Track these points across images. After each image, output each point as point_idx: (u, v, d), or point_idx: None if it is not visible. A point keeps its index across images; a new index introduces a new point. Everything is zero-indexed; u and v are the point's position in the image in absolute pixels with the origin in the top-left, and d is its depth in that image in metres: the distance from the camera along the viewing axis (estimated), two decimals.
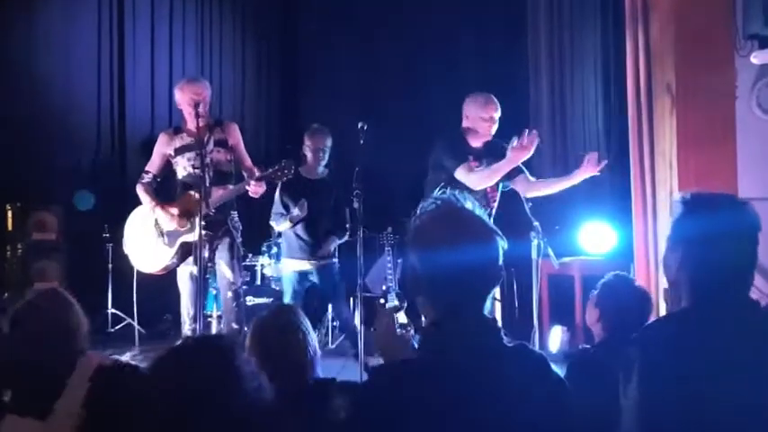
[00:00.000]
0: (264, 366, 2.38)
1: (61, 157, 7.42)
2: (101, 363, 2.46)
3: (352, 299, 6.72)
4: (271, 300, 6.13)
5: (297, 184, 5.37)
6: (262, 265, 6.52)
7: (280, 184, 5.42)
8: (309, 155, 5.61)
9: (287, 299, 5.52)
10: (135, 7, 7.95)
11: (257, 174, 4.70)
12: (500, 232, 1.74)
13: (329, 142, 5.63)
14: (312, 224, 5.49)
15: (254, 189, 4.67)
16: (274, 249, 6.56)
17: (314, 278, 5.55)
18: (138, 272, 5.36)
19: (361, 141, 4.69)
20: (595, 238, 6.04)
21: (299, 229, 5.47)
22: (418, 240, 1.71)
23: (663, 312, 4.57)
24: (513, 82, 7.70)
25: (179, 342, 1.91)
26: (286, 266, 5.63)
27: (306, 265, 5.52)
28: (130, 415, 1.68)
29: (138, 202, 5.18)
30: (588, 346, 4.93)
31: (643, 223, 4.97)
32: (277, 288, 6.43)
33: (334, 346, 6.05)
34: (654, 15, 4.90)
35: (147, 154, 7.69)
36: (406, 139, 7.71)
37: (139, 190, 5.01)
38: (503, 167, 4.42)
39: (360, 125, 4.71)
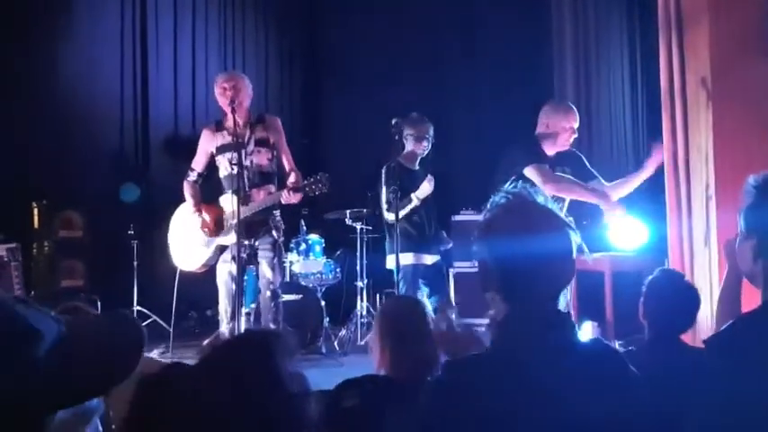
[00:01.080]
0: (391, 357, 2.40)
1: (85, 155, 7.44)
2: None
3: (378, 295, 6.74)
4: (300, 296, 6.11)
5: (401, 173, 5.23)
6: (291, 262, 6.51)
7: (384, 175, 5.31)
8: (410, 144, 5.43)
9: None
10: (158, 7, 7.95)
11: (292, 183, 4.69)
12: (573, 225, 1.71)
13: (432, 130, 5.47)
14: (421, 216, 5.36)
15: (288, 199, 4.67)
16: (302, 246, 6.55)
17: (423, 272, 5.42)
18: (178, 270, 5.37)
19: (396, 137, 4.68)
20: (626, 233, 5.97)
21: (411, 221, 5.30)
22: (491, 233, 1.69)
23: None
24: (537, 76, 7.68)
25: (218, 339, 1.86)
26: (407, 261, 5.37)
27: (419, 259, 5.36)
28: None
29: (166, 199, 5.21)
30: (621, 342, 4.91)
31: (677, 218, 4.91)
32: (304, 284, 6.42)
33: (363, 342, 6.03)
34: (687, 9, 4.85)
35: (171, 153, 7.79)
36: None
37: (185, 188, 5.04)
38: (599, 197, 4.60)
39: (393, 121, 4.68)
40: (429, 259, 5.46)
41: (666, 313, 2.87)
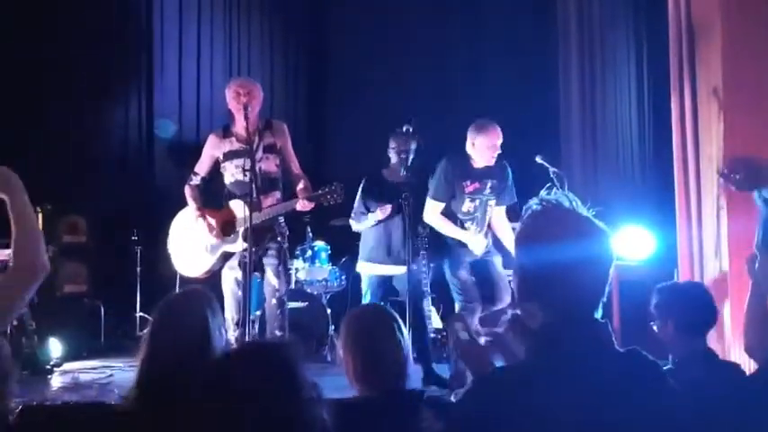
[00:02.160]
0: (359, 369, 2.35)
1: (90, 160, 7.41)
2: None
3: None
4: (305, 303, 6.08)
5: (379, 186, 5.33)
6: (296, 269, 6.48)
7: (362, 184, 5.41)
8: (394, 157, 5.47)
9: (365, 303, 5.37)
10: (163, 12, 7.94)
11: (305, 191, 4.67)
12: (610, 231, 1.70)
13: (413, 145, 5.44)
14: (394, 227, 5.37)
15: (303, 206, 4.65)
16: (308, 253, 6.53)
17: (395, 284, 5.44)
18: (179, 276, 5.33)
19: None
20: (633, 243, 5.98)
21: (381, 231, 5.35)
22: (531, 241, 1.67)
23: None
24: (542, 83, 7.69)
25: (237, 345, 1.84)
26: (365, 269, 5.47)
27: (386, 270, 5.39)
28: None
29: (170, 204, 5.18)
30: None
31: (687, 229, 4.90)
32: (309, 291, 6.39)
33: None
34: (699, 18, 4.85)
35: (175, 158, 7.76)
36: (435, 139, 7.66)
37: (187, 192, 4.98)
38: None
39: (405, 128, 4.66)
40: (394, 270, 5.42)
41: (689, 326, 2.82)
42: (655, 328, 2.91)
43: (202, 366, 2.16)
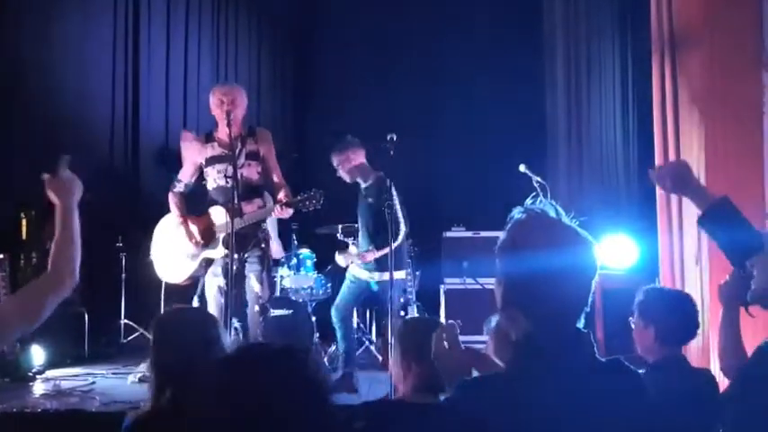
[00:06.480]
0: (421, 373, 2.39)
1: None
2: None
3: (368, 311, 6.71)
4: (290, 311, 6.06)
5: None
6: (281, 277, 6.46)
7: (398, 195, 5.40)
8: None
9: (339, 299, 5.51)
10: (150, 14, 7.91)
11: (285, 199, 4.66)
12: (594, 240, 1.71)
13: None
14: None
15: (280, 214, 4.64)
16: (294, 261, 6.50)
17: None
18: (164, 283, 5.31)
19: (391, 153, 4.65)
20: (616, 251, 6.03)
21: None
22: (517, 250, 1.67)
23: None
24: (529, 98, 7.72)
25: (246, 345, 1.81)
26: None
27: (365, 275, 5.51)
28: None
29: (156, 210, 5.16)
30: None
31: (668, 237, 4.95)
32: (294, 299, 6.37)
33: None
34: (680, 30, 4.90)
35: (161, 163, 7.72)
36: (421, 150, 7.69)
37: (170, 199, 4.96)
38: None
39: (389, 137, 4.66)
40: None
41: (670, 336, 2.80)
42: (632, 324, 2.88)
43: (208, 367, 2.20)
